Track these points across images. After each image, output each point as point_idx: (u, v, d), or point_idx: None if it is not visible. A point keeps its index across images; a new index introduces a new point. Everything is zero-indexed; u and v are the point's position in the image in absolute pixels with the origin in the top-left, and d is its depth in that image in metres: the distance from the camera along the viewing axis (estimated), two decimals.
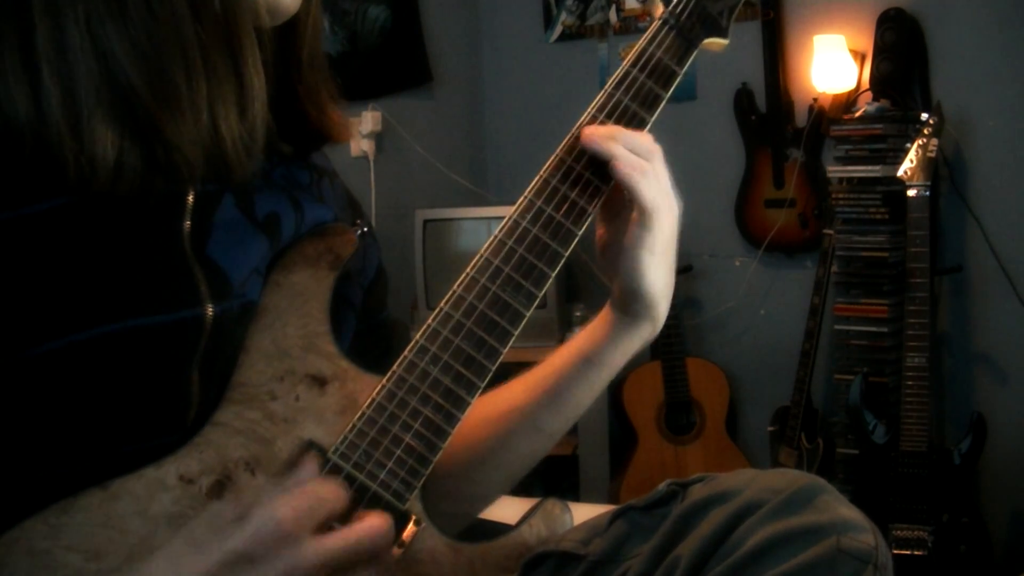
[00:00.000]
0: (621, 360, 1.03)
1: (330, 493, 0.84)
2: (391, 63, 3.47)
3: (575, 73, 3.66)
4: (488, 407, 1.04)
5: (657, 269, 0.96)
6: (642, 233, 0.94)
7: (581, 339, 1.05)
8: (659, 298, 0.98)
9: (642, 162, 0.94)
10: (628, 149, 0.94)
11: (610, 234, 1.00)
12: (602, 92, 0.99)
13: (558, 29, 3.72)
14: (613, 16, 3.61)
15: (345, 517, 0.86)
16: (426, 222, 3.31)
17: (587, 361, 1.03)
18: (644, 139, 0.96)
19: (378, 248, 1.11)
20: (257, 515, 0.80)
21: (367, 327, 1.06)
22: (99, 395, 0.83)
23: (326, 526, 0.83)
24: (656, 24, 1.02)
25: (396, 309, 1.17)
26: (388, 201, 3.41)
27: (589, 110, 0.99)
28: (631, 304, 0.99)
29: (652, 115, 0.99)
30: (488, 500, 1.09)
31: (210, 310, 0.87)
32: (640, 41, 1.01)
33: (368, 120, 3.38)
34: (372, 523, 0.85)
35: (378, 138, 3.43)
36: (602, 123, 0.98)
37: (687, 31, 1.01)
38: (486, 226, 3.31)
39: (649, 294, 0.97)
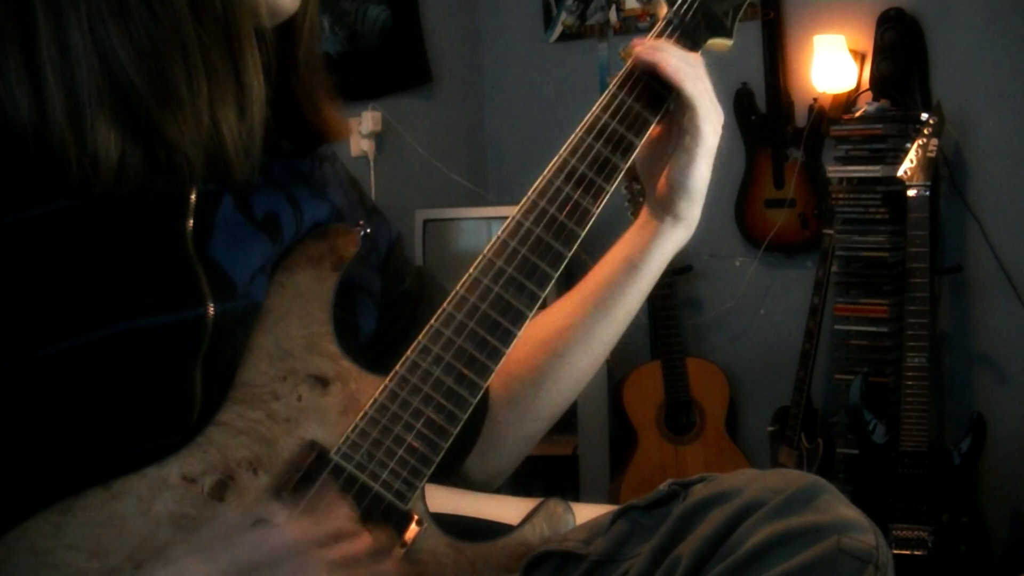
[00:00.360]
0: (661, 265, 1.07)
1: (340, 510, 0.85)
2: (391, 63, 3.47)
3: (575, 73, 3.65)
4: (542, 328, 1.08)
5: (706, 169, 1.01)
6: (696, 137, 0.99)
7: (623, 247, 1.08)
8: (701, 196, 1.04)
9: (693, 69, 0.99)
10: (681, 59, 0.99)
11: (660, 135, 1.03)
12: (606, 92, 1.00)
13: (558, 29, 3.72)
14: (613, 16, 3.61)
15: (353, 531, 0.86)
16: (426, 222, 3.31)
17: (632, 267, 1.07)
18: (692, 55, 1.01)
19: (388, 225, 1.12)
20: (265, 527, 0.81)
21: (389, 302, 1.07)
22: (103, 396, 0.83)
23: (333, 540, 0.83)
24: (660, 24, 1.02)
25: None
26: (388, 201, 3.40)
27: (594, 110, 0.99)
28: (676, 202, 1.03)
29: (656, 116, 1.00)
30: (550, 420, 1.12)
31: (212, 310, 0.88)
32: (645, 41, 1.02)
33: (368, 120, 3.38)
34: (377, 541, 0.85)
35: (378, 138, 3.43)
36: (605, 124, 0.98)
37: (691, 31, 1.02)
38: (486, 226, 3.31)
39: (696, 190, 1.02)
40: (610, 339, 1.09)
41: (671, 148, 1.01)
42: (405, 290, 1.10)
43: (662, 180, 1.03)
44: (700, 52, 1.04)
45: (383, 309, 1.06)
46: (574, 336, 1.08)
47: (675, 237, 1.06)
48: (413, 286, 1.11)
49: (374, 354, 0.97)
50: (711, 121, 0.99)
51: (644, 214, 1.07)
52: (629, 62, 1.00)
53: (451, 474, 1.07)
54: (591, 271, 1.09)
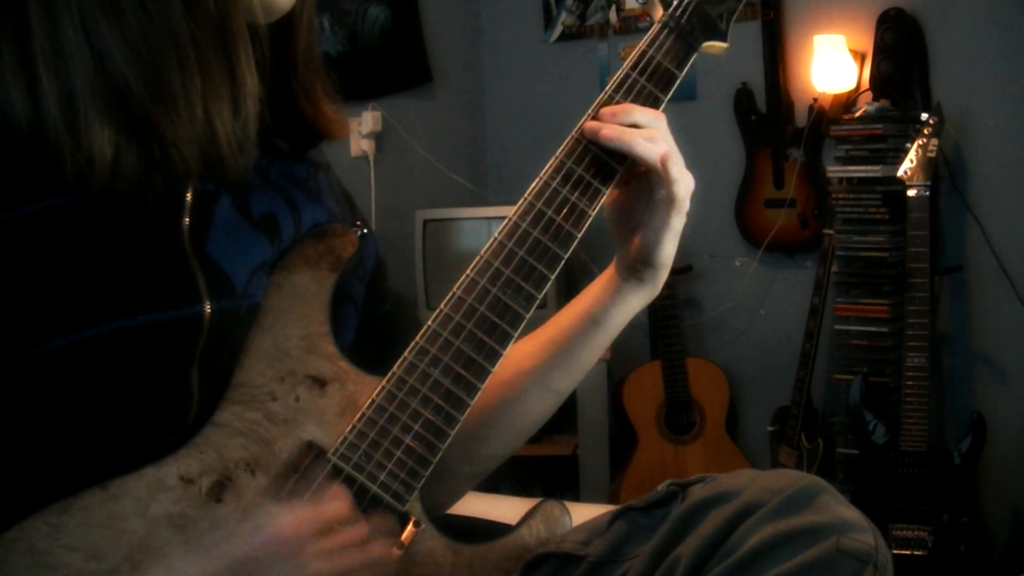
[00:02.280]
0: (624, 320, 1.07)
1: (334, 502, 0.84)
2: (391, 63, 3.47)
3: (575, 73, 3.66)
4: (497, 370, 1.06)
5: (674, 241, 1.01)
6: (669, 217, 0.98)
7: (587, 300, 1.07)
8: (667, 266, 1.03)
9: (668, 150, 0.96)
10: (644, 139, 0.96)
11: (627, 199, 1.02)
12: (602, 94, 1.00)
13: (558, 29, 3.72)
14: (613, 16, 3.61)
15: (348, 522, 0.86)
16: (426, 222, 3.31)
17: (595, 322, 1.06)
18: (652, 115, 0.98)
19: (375, 241, 1.11)
20: (260, 523, 0.80)
21: (369, 319, 1.07)
22: (99, 394, 0.83)
23: (328, 532, 0.83)
24: (656, 27, 1.02)
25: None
26: (388, 201, 3.41)
27: (589, 112, 0.99)
28: (642, 270, 1.03)
29: None
30: (498, 460, 1.11)
31: (208, 308, 0.88)
32: (640, 44, 1.02)
33: (368, 120, 3.38)
34: (374, 531, 0.85)
35: (378, 138, 3.43)
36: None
37: (687, 34, 1.01)
38: (486, 226, 3.31)
39: (662, 264, 1.02)
40: (564, 388, 1.09)
41: (640, 211, 1.00)
42: (386, 312, 1.10)
43: (632, 245, 1.02)
44: (696, 55, 1.03)
45: (363, 324, 1.06)
46: (528, 382, 1.07)
47: (638, 298, 1.05)
48: (393, 311, 1.11)
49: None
50: (685, 192, 0.98)
51: (610, 270, 1.06)
52: (623, 67, 1.00)
53: None
54: (552, 318, 1.09)
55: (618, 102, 0.99)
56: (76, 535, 0.81)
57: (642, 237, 1.00)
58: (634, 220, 1.01)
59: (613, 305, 1.05)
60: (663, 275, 1.04)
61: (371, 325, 1.07)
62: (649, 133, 0.96)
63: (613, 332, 1.07)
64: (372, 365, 0.94)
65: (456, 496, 1.10)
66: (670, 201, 0.97)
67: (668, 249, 1.00)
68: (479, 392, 0.93)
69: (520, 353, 1.08)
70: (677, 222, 0.99)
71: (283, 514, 0.81)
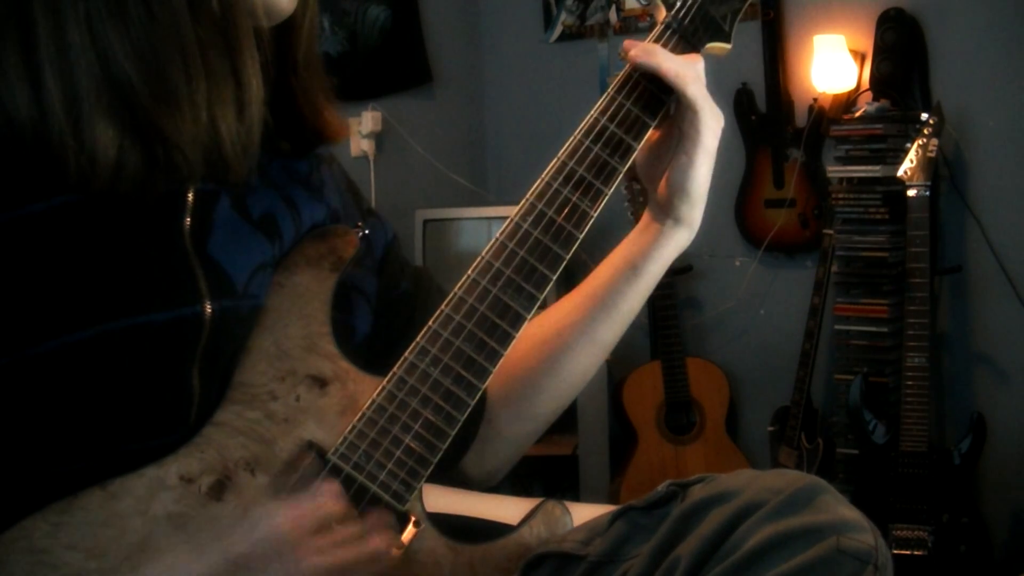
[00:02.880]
0: (662, 268, 1.07)
1: (331, 498, 0.84)
2: (391, 63, 3.47)
3: (575, 73, 3.65)
4: (540, 328, 1.08)
5: (706, 173, 1.01)
6: (695, 140, 0.99)
7: (624, 249, 1.08)
8: (702, 199, 1.03)
9: (693, 71, 0.98)
10: (680, 62, 0.98)
11: (660, 138, 1.03)
12: (604, 96, 1.00)
13: (558, 29, 3.72)
14: (613, 16, 3.60)
15: (345, 519, 0.86)
16: (426, 222, 3.31)
17: (633, 269, 1.06)
18: (692, 57, 1.00)
19: (384, 227, 1.12)
20: (258, 520, 0.81)
21: (386, 303, 1.07)
22: (100, 393, 0.83)
23: (326, 529, 0.83)
24: (659, 28, 1.02)
25: None
26: (388, 201, 3.41)
27: (591, 113, 0.99)
28: (677, 205, 1.03)
29: (655, 119, 1.00)
30: (549, 418, 1.12)
31: (209, 307, 0.88)
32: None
33: (368, 120, 3.38)
34: (372, 528, 0.85)
35: (378, 138, 3.43)
36: (603, 127, 0.98)
37: (690, 35, 1.01)
38: (486, 226, 3.31)
39: (697, 193, 1.02)
40: (609, 341, 1.09)
41: (671, 151, 1.01)
42: (402, 293, 1.10)
43: (662, 183, 1.03)
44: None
45: (379, 311, 1.06)
46: (573, 336, 1.07)
47: (676, 240, 1.05)
48: (410, 288, 1.11)
49: (369, 356, 0.97)
50: (711, 123, 0.99)
51: (646, 216, 1.07)
52: (628, 66, 1.00)
53: (448, 471, 1.07)
54: (592, 272, 1.09)
55: (621, 103, 0.99)
56: (76, 534, 0.81)
57: (674, 166, 1.00)
58: (664, 161, 1.02)
59: (652, 250, 1.05)
60: (698, 211, 1.04)
61: (388, 309, 1.07)
62: (688, 67, 0.98)
63: (653, 279, 1.07)
64: (394, 347, 0.94)
65: (510, 460, 1.12)
66: (700, 124, 0.98)
67: (702, 173, 1.00)
68: (479, 392, 0.93)
69: (561, 311, 1.09)
70: (710, 142, 0.99)
71: (280, 511, 0.81)
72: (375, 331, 1.04)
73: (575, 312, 1.08)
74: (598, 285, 1.08)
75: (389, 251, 1.11)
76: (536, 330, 1.07)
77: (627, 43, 1.00)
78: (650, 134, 1.02)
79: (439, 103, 3.70)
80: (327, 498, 0.85)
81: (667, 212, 1.04)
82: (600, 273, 1.08)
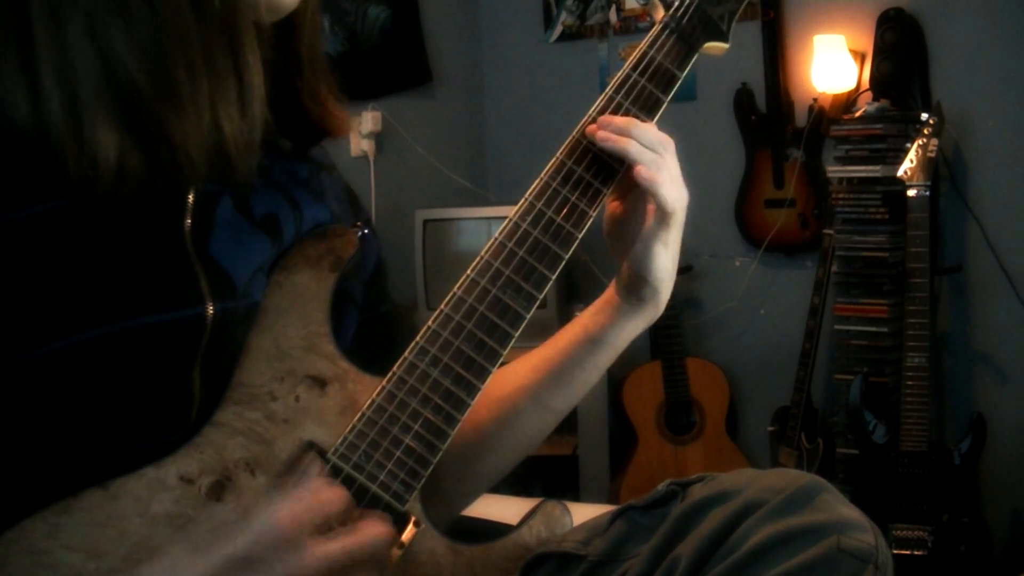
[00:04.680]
0: (624, 341, 1.05)
1: (331, 496, 0.84)
2: (391, 63, 3.47)
3: (575, 73, 3.65)
4: (493, 387, 1.04)
5: (668, 258, 0.99)
6: (659, 229, 0.97)
7: (586, 320, 1.06)
8: (666, 284, 1.01)
9: (659, 160, 0.95)
10: (643, 145, 0.95)
11: (622, 213, 1.01)
12: (602, 95, 0.99)
13: (558, 29, 3.72)
14: (613, 16, 3.61)
15: (345, 518, 0.86)
16: (426, 222, 3.31)
17: (593, 341, 1.05)
18: (656, 133, 0.97)
19: (377, 241, 1.11)
20: (257, 518, 0.80)
21: (369, 320, 1.07)
22: (102, 395, 0.83)
23: (326, 527, 0.83)
24: (657, 28, 1.02)
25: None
26: (388, 201, 3.41)
27: (590, 113, 0.99)
28: (639, 289, 1.01)
29: (652, 119, 1.00)
30: (493, 478, 1.10)
31: (211, 309, 0.88)
32: (641, 44, 1.01)
33: (368, 120, 3.37)
34: (372, 526, 0.85)
35: (378, 138, 3.43)
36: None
37: (688, 35, 1.01)
38: (486, 226, 3.31)
39: (659, 280, 1.00)
40: (561, 409, 1.07)
41: (635, 228, 0.99)
42: (385, 313, 1.09)
43: (624, 263, 1.01)
44: (696, 56, 1.03)
45: (361, 325, 1.05)
46: (524, 401, 1.06)
47: (640, 317, 1.03)
48: (391, 312, 1.10)
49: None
50: (676, 207, 0.96)
51: (610, 288, 1.05)
52: (626, 65, 1.00)
53: None
54: (552, 338, 1.07)
55: (619, 102, 0.99)
56: (76, 535, 0.81)
57: (635, 251, 0.99)
58: (630, 236, 1.00)
59: (611, 326, 1.04)
60: (662, 295, 1.01)
61: (369, 325, 1.07)
62: (648, 139, 0.95)
63: (612, 353, 1.05)
64: (369, 365, 0.94)
65: (449, 516, 1.07)
66: (661, 212, 0.96)
67: (660, 263, 0.98)
68: (479, 392, 0.93)
69: (516, 371, 1.07)
70: (667, 235, 0.97)
71: (280, 508, 0.81)
72: (355, 343, 1.03)
73: (529, 375, 1.06)
74: (554, 352, 1.06)
75: (379, 268, 1.10)
76: (489, 389, 1.02)
77: (597, 123, 0.96)
78: (614, 206, 1.00)
79: (439, 103, 3.70)
80: (328, 495, 0.84)
81: (630, 290, 1.02)
82: (558, 341, 1.06)
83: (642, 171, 0.94)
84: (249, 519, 0.80)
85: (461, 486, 1.07)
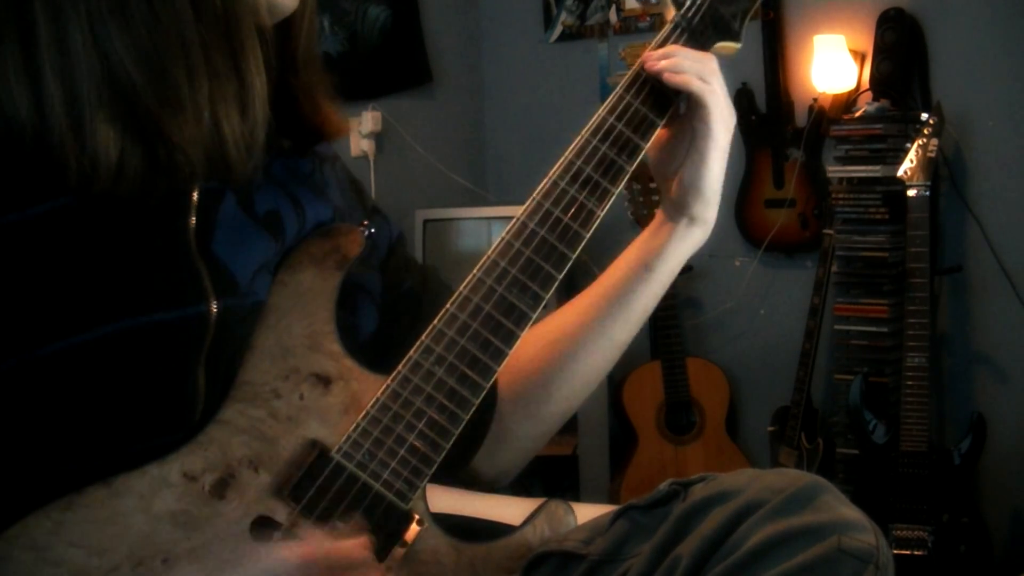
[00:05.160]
0: (676, 266, 1.07)
1: (355, 535, 0.85)
2: (391, 63, 3.47)
3: (575, 73, 3.65)
4: (553, 328, 1.07)
5: (720, 171, 1.01)
6: (708, 140, 0.99)
7: (638, 248, 1.07)
8: (716, 197, 1.03)
9: (707, 73, 0.98)
10: (695, 70, 0.98)
11: (671, 137, 1.03)
12: (613, 94, 1.00)
13: (558, 29, 3.72)
14: (613, 16, 3.60)
15: (345, 515, 0.86)
16: (426, 222, 3.31)
17: (647, 267, 1.06)
18: (703, 55, 1.00)
19: (388, 225, 1.11)
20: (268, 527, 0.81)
21: (391, 301, 1.07)
22: (106, 394, 0.83)
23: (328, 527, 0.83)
24: (668, 27, 1.02)
25: None
26: (388, 201, 3.39)
27: (600, 111, 0.99)
28: (691, 204, 1.02)
29: (663, 118, 1.00)
30: (562, 418, 1.11)
31: (214, 307, 0.88)
32: (652, 44, 1.02)
33: (368, 120, 3.38)
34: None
35: (378, 138, 3.43)
36: (611, 126, 0.99)
37: (699, 34, 1.01)
38: (486, 226, 3.31)
39: (710, 191, 1.02)
40: (622, 340, 1.08)
41: (683, 149, 1.01)
42: (406, 291, 1.10)
43: (675, 182, 1.03)
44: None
45: (384, 309, 1.06)
46: (585, 335, 1.07)
47: (691, 239, 1.05)
48: (416, 286, 1.10)
49: (374, 354, 0.97)
50: (722, 121, 0.99)
51: (659, 216, 1.07)
52: (636, 64, 1.00)
53: (458, 471, 1.07)
54: (605, 271, 1.09)
55: (629, 102, 0.99)
56: (79, 531, 0.81)
57: (687, 165, 1.00)
58: (677, 159, 1.02)
59: (664, 250, 1.05)
60: (712, 209, 1.03)
61: (393, 307, 1.07)
62: (701, 69, 0.98)
63: (667, 278, 1.07)
64: (400, 345, 0.94)
65: (521, 461, 1.11)
66: (712, 121, 0.98)
67: (715, 171, 1.00)
68: (484, 392, 0.93)
69: (573, 310, 1.08)
70: (723, 139, 0.99)
71: (299, 539, 0.82)
72: (380, 329, 1.04)
73: (589, 311, 1.07)
74: (612, 284, 1.07)
75: (394, 249, 1.10)
76: (549, 329, 1.07)
77: (646, 52, 1.00)
78: (660, 132, 1.02)
79: (439, 103, 3.70)
80: (353, 540, 0.85)
81: (681, 211, 1.03)
82: (613, 272, 1.08)
83: (701, 88, 0.98)
84: (262, 539, 0.82)
85: (531, 429, 1.09)
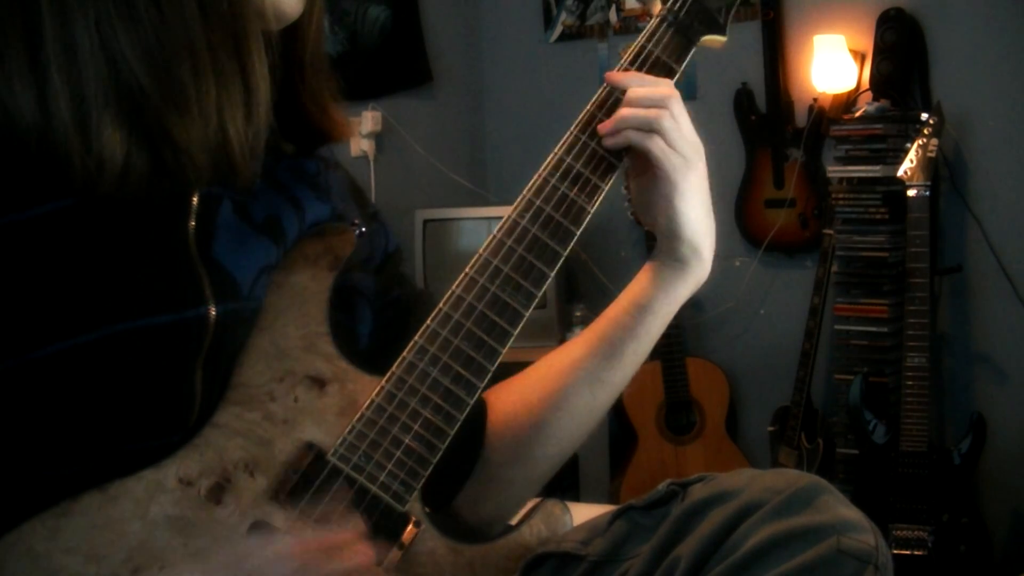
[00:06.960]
0: (674, 306, 1.04)
1: (346, 524, 0.85)
2: (391, 63, 3.47)
3: (575, 73, 3.65)
4: (545, 368, 1.05)
5: (693, 211, 0.99)
6: (668, 184, 0.97)
7: (633, 289, 1.05)
8: (702, 238, 1.00)
9: (651, 117, 0.96)
10: (639, 104, 0.96)
11: (640, 183, 1.01)
12: (601, 89, 1.00)
13: (558, 29, 3.72)
14: (613, 16, 3.61)
15: (342, 518, 0.86)
16: (426, 222, 3.31)
17: (641, 309, 1.03)
18: (657, 90, 0.98)
19: (387, 231, 1.11)
20: (264, 528, 0.81)
21: (382, 306, 1.07)
22: (104, 396, 0.83)
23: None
24: (654, 21, 1.02)
25: None
26: (388, 201, 3.41)
27: (588, 107, 0.99)
28: (676, 248, 1.01)
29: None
30: (555, 461, 1.07)
31: (213, 310, 0.88)
32: (639, 39, 1.02)
33: (368, 120, 3.37)
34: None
35: (378, 138, 3.43)
36: (601, 120, 0.98)
37: (685, 28, 1.01)
38: (486, 226, 3.30)
39: (691, 235, 0.99)
40: (617, 383, 1.05)
41: (657, 191, 0.99)
42: (395, 298, 1.09)
43: (656, 225, 1.01)
44: (694, 49, 1.03)
45: (376, 313, 1.05)
46: (578, 376, 1.04)
47: (686, 279, 1.03)
48: (406, 297, 1.10)
49: (372, 357, 0.97)
50: (674, 166, 0.97)
51: (651, 256, 1.05)
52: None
53: (441, 509, 1.01)
54: (601, 314, 1.07)
55: (617, 97, 0.99)
56: (75, 537, 0.81)
57: (660, 211, 0.99)
58: (654, 203, 1.00)
59: (658, 291, 1.03)
60: (703, 251, 1.01)
61: (384, 312, 1.06)
62: (642, 119, 0.97)
63: (662, 321, 1.04)
64: (388, 351, 0.94)
65: (506, 509, 1.06)
66: (672, 170, 0.97)
67: (687, 217, 0.98)
68: (479, 391, 0.93)
69: (568, 351, 1.06)
70: (682, 188, 0.97)
71: (291, 532, 0.82)
72: (376, 332, 1.04)
73: (581, 352, 1.05)
74: (606, 325, 1.05)
75: (389, 259, 1.10)
76: (541, 368, 1.05)
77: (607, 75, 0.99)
78: (637, 177, 1.01)
79: (439, 103, 3.70)
80: (345, 529, 0.85)
81: (667, 253, 1.02)
82: (608, 313, 1.06)
83: (640, 139, 0.96)
84: (256, 533, 0.82)
85: (525, 471, 1.06)
